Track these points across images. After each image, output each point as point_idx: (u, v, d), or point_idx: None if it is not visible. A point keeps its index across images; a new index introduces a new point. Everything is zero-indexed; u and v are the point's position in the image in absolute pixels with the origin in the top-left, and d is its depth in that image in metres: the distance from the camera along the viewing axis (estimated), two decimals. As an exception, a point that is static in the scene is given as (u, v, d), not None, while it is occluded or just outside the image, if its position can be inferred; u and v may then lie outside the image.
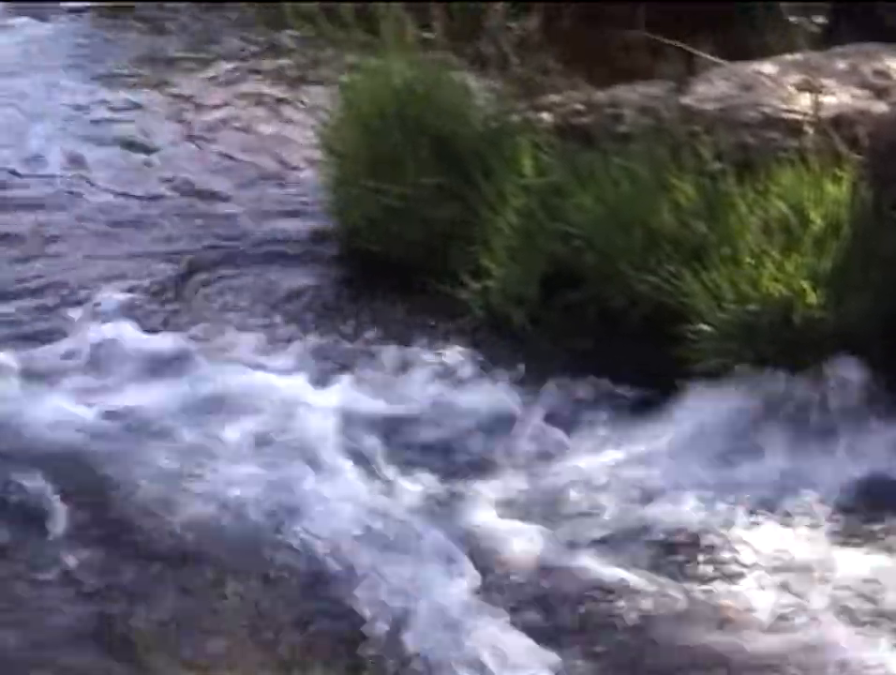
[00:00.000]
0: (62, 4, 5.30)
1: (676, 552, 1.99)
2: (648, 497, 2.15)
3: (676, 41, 2.72)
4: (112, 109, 4.08)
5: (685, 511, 2.09)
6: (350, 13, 3.02)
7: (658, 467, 2.23)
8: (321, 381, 2.51)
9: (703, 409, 2.32)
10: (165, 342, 2.63)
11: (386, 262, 2.89)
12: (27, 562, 1.94)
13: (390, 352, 2.61)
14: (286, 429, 2.31)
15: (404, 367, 2.57)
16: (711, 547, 1.98)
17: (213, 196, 3.41)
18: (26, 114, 4.05)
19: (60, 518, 2.02)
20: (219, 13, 5.06)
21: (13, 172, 3.58)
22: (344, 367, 2.57)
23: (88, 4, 5.41)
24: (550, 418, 2.39)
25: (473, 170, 2.76)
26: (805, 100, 2.62)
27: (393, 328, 2.74)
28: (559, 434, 2.34)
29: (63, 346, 2.63)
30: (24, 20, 5.08)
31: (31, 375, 2.48)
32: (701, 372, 2.34)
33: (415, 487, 2.19)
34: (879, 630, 1.74)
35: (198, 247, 3.08)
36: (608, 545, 2.01)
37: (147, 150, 3.69)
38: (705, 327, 2.32)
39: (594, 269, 2.56)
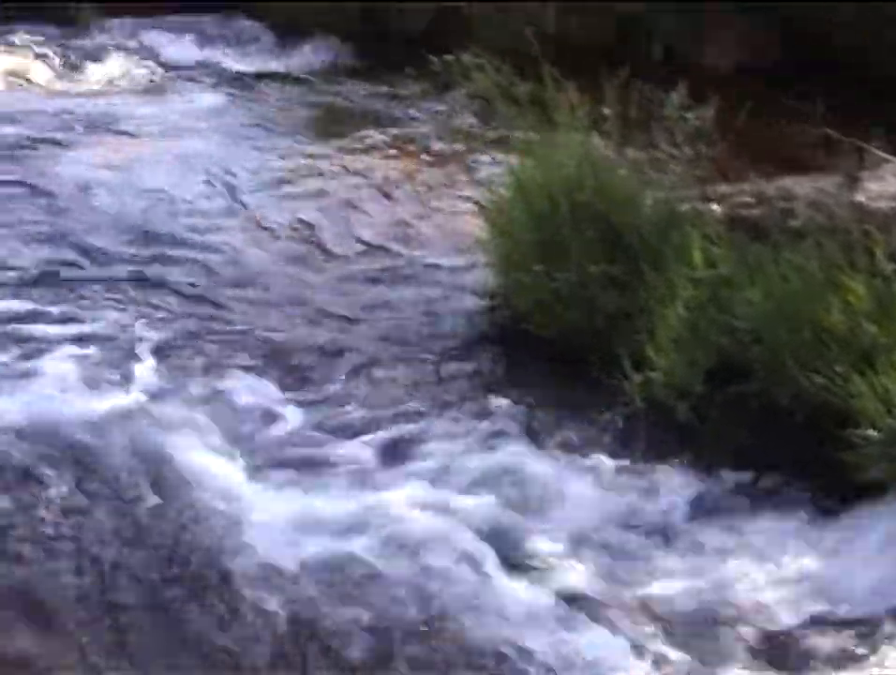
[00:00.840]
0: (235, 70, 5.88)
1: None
2: (813, 612, 2.15)
3: (850, 137, 2.72)
4: (277, 179, 4.34)
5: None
6: (524, 93, 3.13)
7: (824, 578, 2.22)
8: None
9: (868, 518, 2.31)
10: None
11: (550, 347, 2.98)
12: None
13: (551, 438, 2.71)
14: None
15: (563, 452, 2.66)
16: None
17: (379, 269, 3.57)
18: (201, 175, 4.32)
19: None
20: (388, 87, 5.38)
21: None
22: (506, 450, 2.65)
23: (258, 70, 5.91)
24: (711, 514, 2.43)
25: (641, 258, 2.84)
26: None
27: (554, 413, 2.83)
28: (718, 532, 2.37)
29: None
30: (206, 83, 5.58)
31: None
32: (866, 478, 2.32)
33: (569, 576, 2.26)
34: None
35: (354, 316, 3.27)
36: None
37: (311, 225, 3.89)
38: (872, 432, 2.30)
39: (760, 364, 2.59)
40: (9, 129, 4.65)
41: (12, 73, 5.39)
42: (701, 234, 2.73)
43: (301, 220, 3.91)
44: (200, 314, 3.25)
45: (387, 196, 4.13)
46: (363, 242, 3.76)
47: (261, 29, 6.46)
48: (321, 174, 4.34)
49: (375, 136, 4.78)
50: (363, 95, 5.45)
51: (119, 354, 2.98)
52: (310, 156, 4.58)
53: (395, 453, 2.66)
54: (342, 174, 4.33)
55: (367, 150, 4.61)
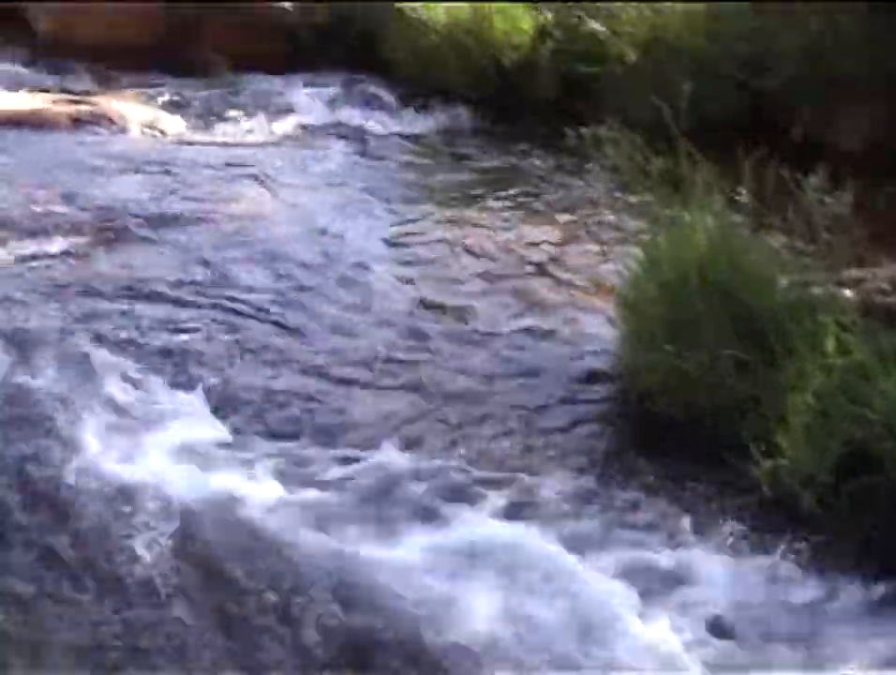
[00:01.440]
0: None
1: None
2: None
3: None
4: (402, 240, 4.47)
5: None
6: (658, 168, 3.18)
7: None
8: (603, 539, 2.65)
9: None
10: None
11: (677, 428, 3.01)
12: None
13: (672, 520, 2.73)
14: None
15: (684, 534, 2.67)
16: None
17: (505, 338, 3.62)
18: (327, 230, 4.48)
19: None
20: (518, 154, 5.50)
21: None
22: (627, 529, 2.70)
23: (387, 130, 6.11)
24: (838, 614, 2.41)
25: (773, 343, 2.85)
26: None
27: (677, 495, 2.84)
28: (846, 634, 2.35)
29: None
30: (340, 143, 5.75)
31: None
32: None
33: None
34: None
35: (476, 388, 3.33)
36: None
37: (435, 290, 3.98)
38: None
39: (891, 455, 2.58)
40: (142, 178, 4.90)
41: (147, 124, 5.67)
42: (834, 320, 2.74)
43: (425, 285, 3.99)
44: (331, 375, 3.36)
45: (512, 264, 4.20)
46: (486, 308, 3.82)
47: (391, 90, 6.66)
48: (445, 240, 4.42)
49: (503, 203, 4.86)
50: (491, 160, 5.56)
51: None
52: (438, 220, 4.68)
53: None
54: (465, 240, 4.41)
55: (496, 218, 4.68)
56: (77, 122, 5.64)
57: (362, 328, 3.66)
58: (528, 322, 3.76)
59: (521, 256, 4.29)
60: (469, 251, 4.33)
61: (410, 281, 4.05)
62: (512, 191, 5.06)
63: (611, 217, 4.37)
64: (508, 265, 4.21)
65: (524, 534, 2.63)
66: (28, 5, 8.10)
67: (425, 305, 3.86)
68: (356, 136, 5.90)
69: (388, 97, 6.67)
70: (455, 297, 3.93)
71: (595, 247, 4.18)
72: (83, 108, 5.76)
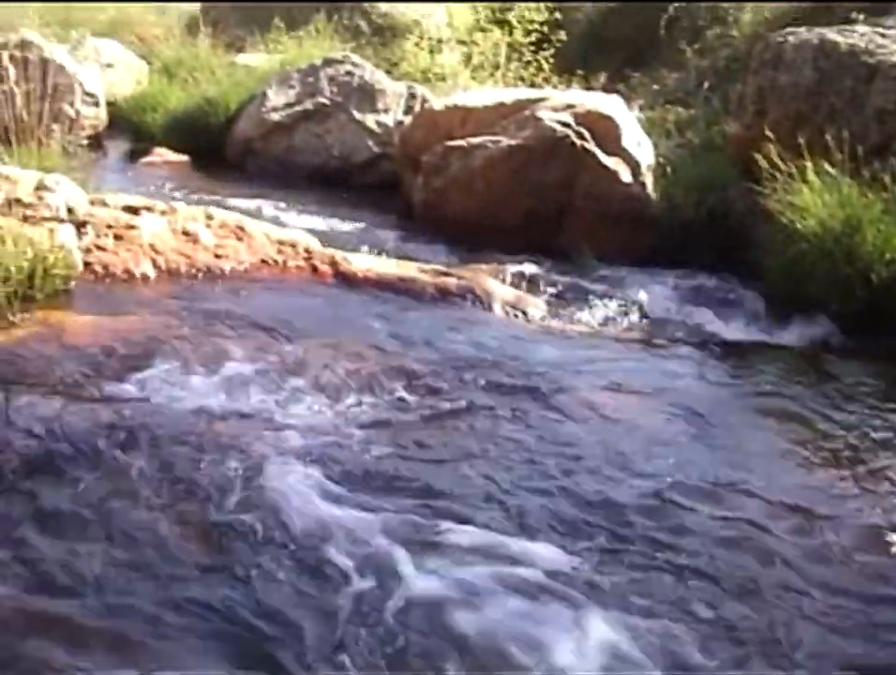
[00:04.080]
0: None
1: None
2: None
3: None
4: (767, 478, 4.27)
5: None
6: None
7: None
8: None
9: None
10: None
11: None
12: None
13: None
14: None
15: None
16: None
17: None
18: (684, 443, 4.53)
19: None
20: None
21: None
22: None
23: (744, 339, 6.31)
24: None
25: None
26: None
27: None
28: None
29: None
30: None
31: None
32: None
33: None
34: None
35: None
36: None
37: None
38: None
39: None
40: (499, 356, 5.38)
41: (510, 303, 6.29)
42: None
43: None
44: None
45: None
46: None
47: (753, 295, 6.99)
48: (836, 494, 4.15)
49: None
50: (864, 384, 5.43)
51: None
52: (811, 469, 4.43)
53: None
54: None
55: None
56: (443, 294, 6.27)
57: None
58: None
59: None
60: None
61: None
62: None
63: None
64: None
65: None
66: (407, 179, 9.30)
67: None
68: (712, 341, 6.15)
69: (749, 302, 6.98)
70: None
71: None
72: (450, 281, 6.37)
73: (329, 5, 15.08)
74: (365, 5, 15.64)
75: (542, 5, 14.50)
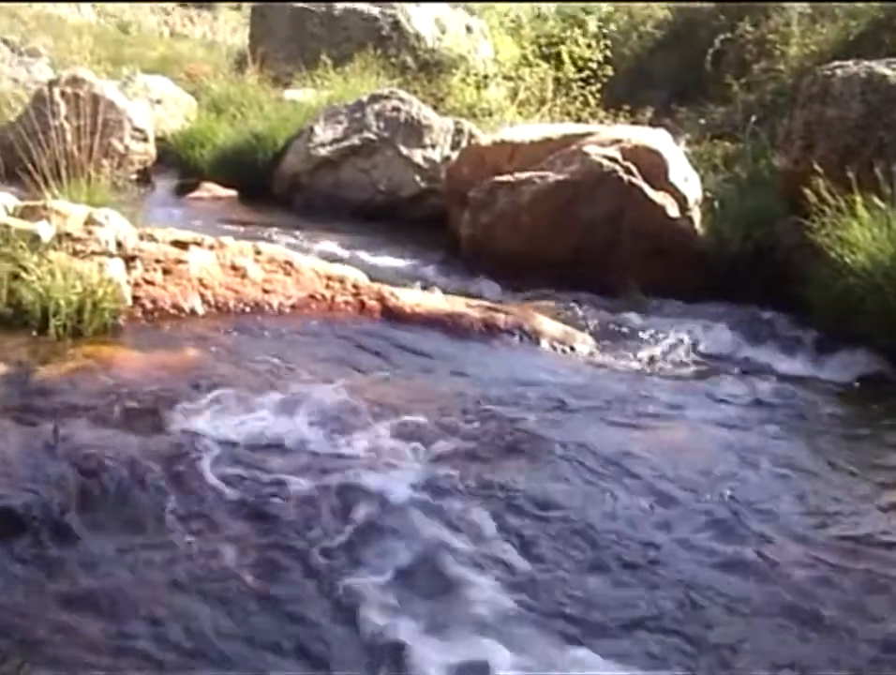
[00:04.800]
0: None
1: None
2: None
3: None
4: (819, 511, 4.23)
5: None
6: None
7: None
8: None
9: None
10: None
11: None
12: None
13: None
14: None
15: None
16: None
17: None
18: (738, 478, 4.44)
19: None
20: None
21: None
22: None
23: (793, 373, 6.24)
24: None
25: None
26: None
27: None
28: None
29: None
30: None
31: None
32: None
33: None
34: None
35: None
36: None
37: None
38: None
39: None
40: (547, 394, 5.33)
41: (557, 339, 6.27)
42: None
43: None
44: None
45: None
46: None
47: (802, 331, 6.91)
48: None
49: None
50: None
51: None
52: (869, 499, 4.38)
53: None
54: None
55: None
56: (491, 329, 6.24)
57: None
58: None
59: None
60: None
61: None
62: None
63: None
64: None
65: None
66: (454, 214, 9.32)
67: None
68: (762, 376, 6.09)
69: (798, 337, 6.89)
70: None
71: None
72: (498, 316, 6.34)
73: (376, 41, 15.20)
74: (413, 41, 15.74)
75: (592, 41, 14.55)
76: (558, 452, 4.58)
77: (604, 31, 15.38)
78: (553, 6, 19.80)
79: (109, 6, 38.25)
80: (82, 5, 38.08)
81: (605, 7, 16.97)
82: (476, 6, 18.34)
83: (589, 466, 4.47)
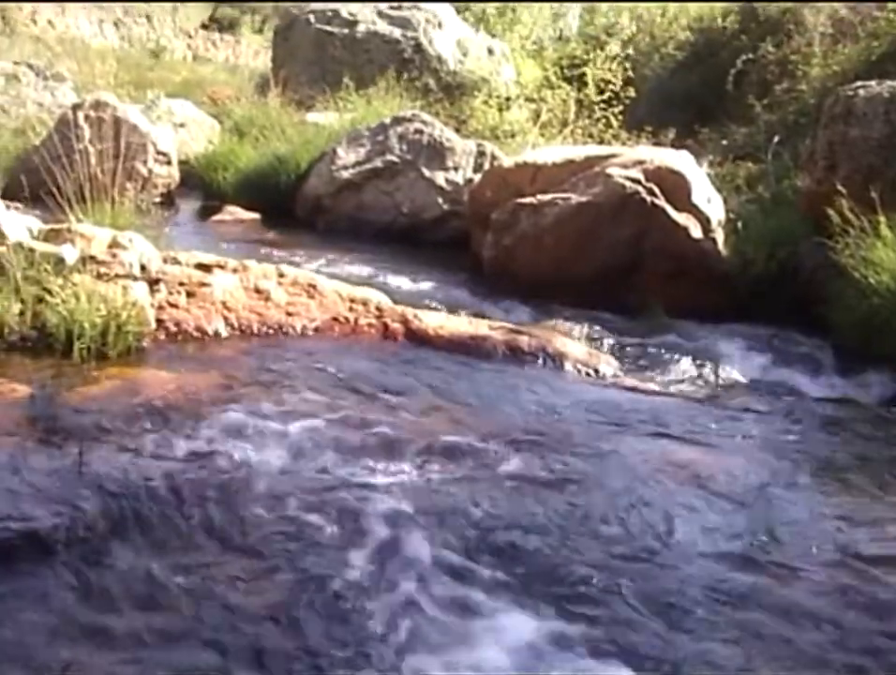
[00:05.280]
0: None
1: None
2: None
3: None
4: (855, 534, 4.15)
5: None
6: None
7: None
8: None
9: None
10: None
11: None
12: None
13: None
14: None
15: None
16: None
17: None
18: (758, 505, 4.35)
19: None
20: None
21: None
22: None
23: (819, 394, 6.22)
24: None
25: None
26: None
27: None
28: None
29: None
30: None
31: None
32: None
33: None
34: None
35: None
36: None
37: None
38: None
39: None
40: (572, 418, 5.28)
41: (581, 361, 6.22)
42: None
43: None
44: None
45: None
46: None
47: (827, 352, 6.95)
48: None
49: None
50: None
51: None
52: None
53: None
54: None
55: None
56: (514, 352, 6.20)
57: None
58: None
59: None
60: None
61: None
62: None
63: None
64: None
65: None
66: (477, 236, 9.33)
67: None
68: (786, 397, 6.07)
69: (822, 358, 6.94)
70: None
71: None
72: (522, 339, 6.30)
73: (398, 63, 15.27)
74: (435, 64, 15.79)
75: (615, 64, 14.59)
76: (589, 477, 4.54)
77: (627, 53, 15.42)
78: (574, 27, 19.86)
79: (134, 30, 38.61)
80: (106, 28, 38.42)
81: (627, 29, 17.01)
82: (497, 27, 18.43)
83: (627, 491, 4.42)
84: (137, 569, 3.54)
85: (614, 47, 15.39)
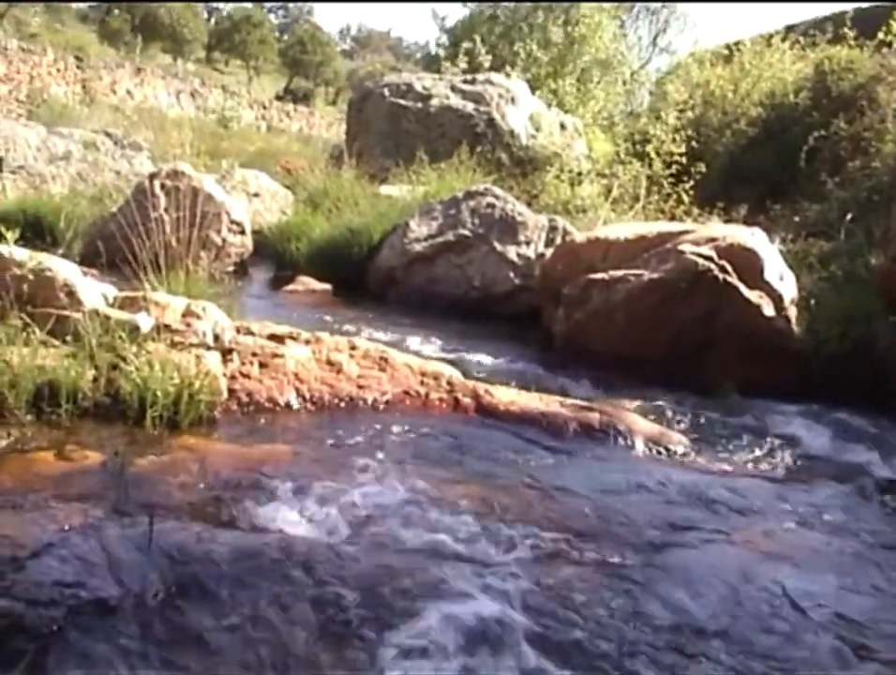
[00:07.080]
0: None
1: None
2: None
3: None
4: None
5: None
6: None
7: None
8: None
9: None
10: None
11: None
12: None
13: None
14: None
15: None
16: None
17: None
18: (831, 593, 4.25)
19: None
20: None
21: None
22: None
23: None
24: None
25: None
26: None
27: None
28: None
29: None
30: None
31: None
32: None
33: None
34: None
35: None
36: None
37: None
38: None
39: None
40: (646, 499, 5.23)
41: (652, 440, 6.16)
42: None
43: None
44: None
45: None
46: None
47: (896, 430, 6.82)
48: None
49: None
50: None
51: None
52: None
53: None
54: None
55: None
56: (585, 429, 6.15)
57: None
58: None
59: None
60: None
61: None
62: None
63: None
64: None
65: None
66: (548, 310, 9.32)
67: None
68: (864, 479, 5.93)
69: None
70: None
71: None
72: (592, 415, 6.25)
73: (471, 137, 15.40)
74: (507, 138, 15.92)
75: (678, 135, 14.62)
76: (668, 561, 4.46)
77: (689, 122, 15.48)
78: (646, 102, 19.96)
79: (210, 101, 39.45)
80: (183, 99, 39.29)
81: (699, 106, 17.05)
82: (570, 102, 18.57)
83: (701, 577, 4.31)
84: (202, 640, 3.52)
85: (671, 118, 15.44)
